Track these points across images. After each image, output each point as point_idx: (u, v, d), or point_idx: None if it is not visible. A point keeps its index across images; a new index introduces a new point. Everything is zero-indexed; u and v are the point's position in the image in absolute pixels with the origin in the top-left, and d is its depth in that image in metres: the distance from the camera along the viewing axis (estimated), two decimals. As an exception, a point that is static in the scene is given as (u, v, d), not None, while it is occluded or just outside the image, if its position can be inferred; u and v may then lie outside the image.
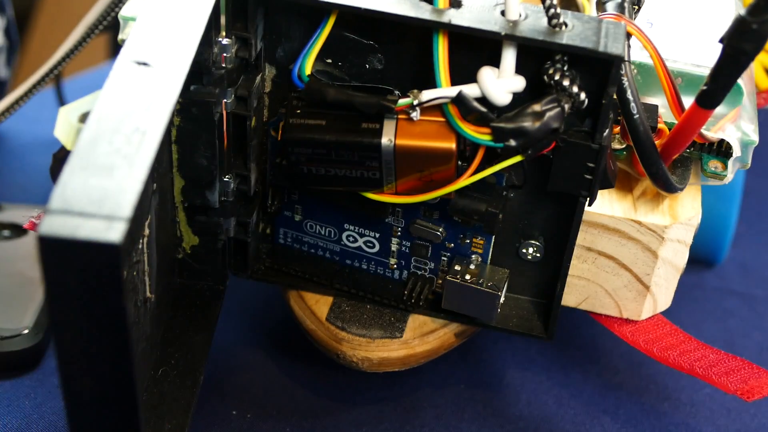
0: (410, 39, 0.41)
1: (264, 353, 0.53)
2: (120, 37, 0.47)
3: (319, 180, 0.43)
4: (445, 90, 0.40)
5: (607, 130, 0.40)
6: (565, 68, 0.40)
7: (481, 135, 0.40)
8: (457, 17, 0.39)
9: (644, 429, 0.51)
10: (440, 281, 0.47)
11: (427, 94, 0.40)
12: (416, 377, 0.52)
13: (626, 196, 0.46)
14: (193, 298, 0.47)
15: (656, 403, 0.52)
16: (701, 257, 0.59)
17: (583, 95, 0.40)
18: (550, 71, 0.40)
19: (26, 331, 0.51)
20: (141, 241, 0.39)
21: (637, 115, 0.42)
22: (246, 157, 0.45)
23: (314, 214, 0.47)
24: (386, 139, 0.41)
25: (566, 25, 0.39)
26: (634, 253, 0.46)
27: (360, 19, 0.41)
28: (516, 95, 0.40)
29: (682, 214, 0.46)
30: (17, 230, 0.56)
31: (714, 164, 0.46)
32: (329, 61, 0.42)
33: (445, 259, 0.47)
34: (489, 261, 0.46)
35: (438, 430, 0.50)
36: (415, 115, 0.41)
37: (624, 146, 0.45)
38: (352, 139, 0.41)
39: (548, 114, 0.40)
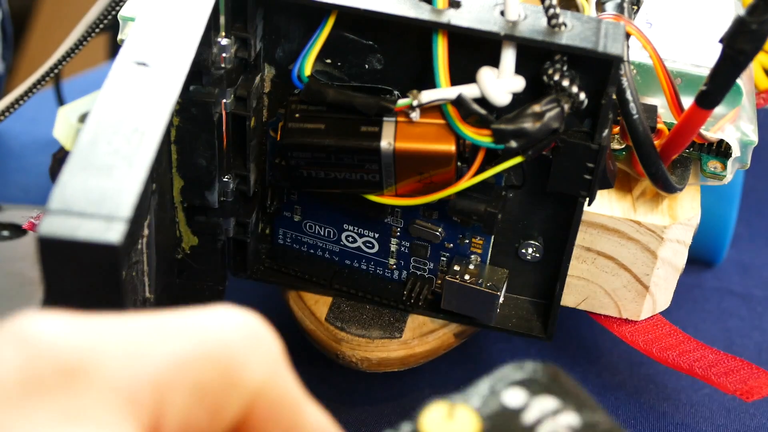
0: (410, 39, 0.41)
1: (263, 353, 0.53)
2: (120, 37, 0.47)
3: (318, 182, 0.43)
4: (445, 91, 0.40)
5: (606, 131, 0.40)
6: (565, 68, 0.40)
7: (481, 137, 0.40)
8: (456, 17, 0.39)
9: (644, 429, 0.50)
10: (439, 281, 0.47)
11: (426, 96, 0.40)
12: (416, 377, 0.52)
13: (625, 196, 0.46)
14: (193, 298, 0.47)
15: (656, 403, 0.52)
16: (700, 257, 0.59)
17: (582, 95, 0.40)
18: (550, 71, 0.40)
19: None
20: (140, 241, 0.39)
21: (637, 116, 0.42)
22: (245, 157, 0.45)
23: (313, 215, 0.47)
24: (385, 143, 0.41)
25: (566, 26, 0.39)
26: (633, 253, 0.46)
27: (359, 20, 0.41)
28: (516, 96, 0.40)
29: (681, 215, 0.46)
30: (16, 230, 0.56)
31: (713, 164, 0.46)
32: (329, 61, 0.42)
33: (445, 259, 0.47)
34: (488, 261, 0.46)
35: (437, 431, 0.50)
36: (415, 115, 0.41)
37: (623, 146, 0.45)
38: (352, 143, 0.41)
39: (548, 114, 0.40)
